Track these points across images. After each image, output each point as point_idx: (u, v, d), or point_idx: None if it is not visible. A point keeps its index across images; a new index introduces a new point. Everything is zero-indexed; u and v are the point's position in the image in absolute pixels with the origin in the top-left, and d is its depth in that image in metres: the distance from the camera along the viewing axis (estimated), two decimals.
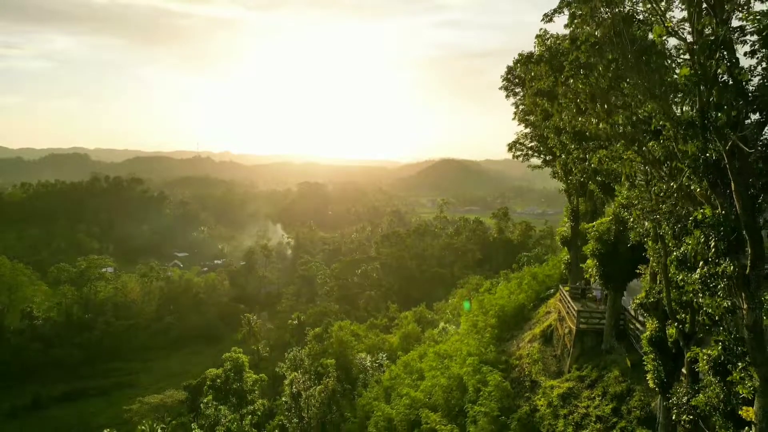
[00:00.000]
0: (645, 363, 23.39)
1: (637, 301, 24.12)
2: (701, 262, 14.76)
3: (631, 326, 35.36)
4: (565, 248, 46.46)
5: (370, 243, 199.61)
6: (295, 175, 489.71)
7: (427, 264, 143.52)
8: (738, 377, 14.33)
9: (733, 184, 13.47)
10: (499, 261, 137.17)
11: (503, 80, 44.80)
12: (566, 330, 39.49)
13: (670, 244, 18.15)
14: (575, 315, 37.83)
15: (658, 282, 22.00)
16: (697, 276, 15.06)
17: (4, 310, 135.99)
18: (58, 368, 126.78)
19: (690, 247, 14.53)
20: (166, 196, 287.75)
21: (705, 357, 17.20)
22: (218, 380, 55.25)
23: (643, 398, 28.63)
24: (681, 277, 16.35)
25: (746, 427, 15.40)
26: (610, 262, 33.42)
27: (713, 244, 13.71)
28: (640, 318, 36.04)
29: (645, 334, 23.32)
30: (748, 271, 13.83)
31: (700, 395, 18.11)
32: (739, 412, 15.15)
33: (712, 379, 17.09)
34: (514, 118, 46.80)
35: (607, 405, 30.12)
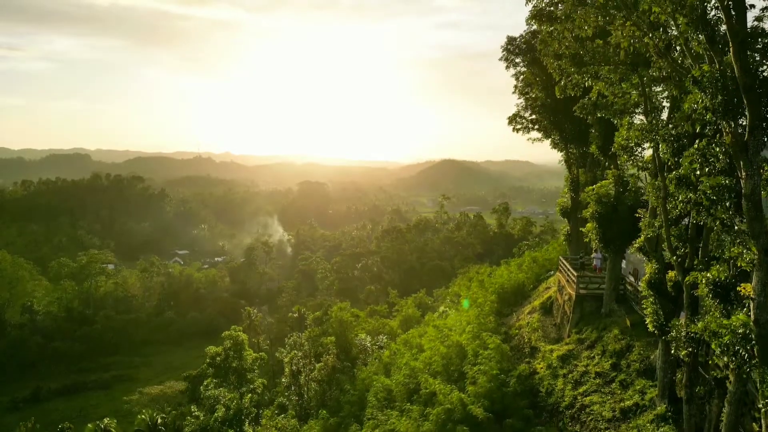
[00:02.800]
0: (645, 307, 23.35)
1: (637, 245, 24.09)
2: (698, 128, 14.69)
3: (631, 289, 35.38)
4: (566, 219, 46.46)
5: (371, 239, 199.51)
6: (296, 175, 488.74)
7: (427, 257, 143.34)
8: (737, 252, 14.24)
9: (731, 44, 13.37)
10: (499, 255, 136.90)
11: (503, 50, 44.77)
12: (566, 297, 39.44)
13: (669, 163, 18.10)
14: (575, 281, 37.81)
15: (657, 218, 21.93)
16: (695, 149, 14.97)
17: (4, 305, 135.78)
18: (59, 362, 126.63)
19: (686, 106, 14.40)
20: (167, 194, 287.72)
21: (704, 280, 17.15)
22: (218, 358, 55.23)
23: (642, 352, 28.55)
24: (681, 197, 16.32)
25: (744, 303, 15.30)
26: (610, 225, 33.36)
27: (709, 103, 13.59)
28: (640, 283, 36.15)
29: (644, 278, 23.29)
30: (746, 137, 13.75)
31: (699, 323, 18.05)
32: (737, 289, 15.11)
33: (712, 302, 17.04)
34: (514, 92, 46.80)
35: (606, 362, 30.05)
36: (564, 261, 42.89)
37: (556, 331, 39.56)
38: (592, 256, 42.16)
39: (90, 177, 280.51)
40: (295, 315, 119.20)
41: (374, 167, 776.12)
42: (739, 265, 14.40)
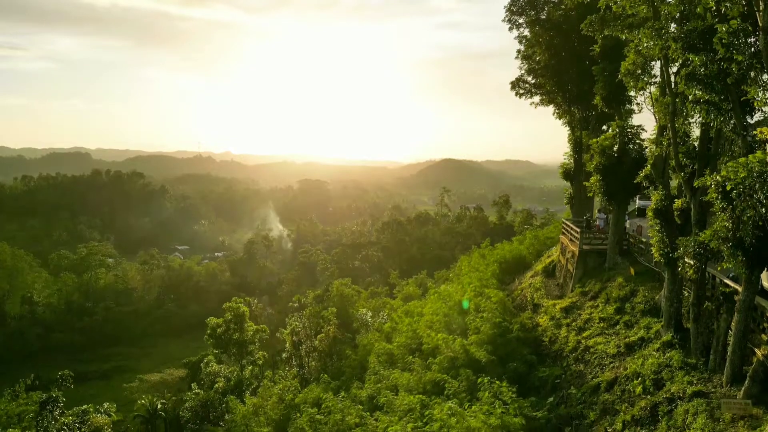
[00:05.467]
0: (651, 236, 23.08)
1: (643, 174, 23.86)
2: None
3: (634, 241, 35.15)
4: (569, 182, 46.18)
5: (371, 234, 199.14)
6: (296, 174, 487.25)
7: (427, 248, 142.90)
8: (754, 93, 13.91)
9: None
10: None
11: (506, 11, 44.52)
12: (569, 255, 39.18)
13: (679, 60, 17.78)
14: (578, 238, 37.57)
15: (666, 135, 21.62)
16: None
17: (4, 296, 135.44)
18: (59, 353, 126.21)
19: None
20: (167, 190, 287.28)
21: (713, 183, 16.87)
22: (219, 329, 54.84)
23: (647, 294, 28.24)
24: (691, 97, 16.10)
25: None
26: (614, 176, 33.09)
27: None
28: (643, 239, 35.99)
29: (650, 206, 23.03)
30: None
31: (707, 231, 17.80)
32: (754, 133, 14.83)
33: (722, 204, 16.75)
34: (517, 56, 46.74)
35: (610, 307, 29.73)
36: (567, 222, 42.69)
37: (558, 290, 39.31)
38: (596, 216, 41.99)
39: (90, 173, 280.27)
40: (296, 305, 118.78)
41: (374, 166, 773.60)
42: (756, 107, 14.09)
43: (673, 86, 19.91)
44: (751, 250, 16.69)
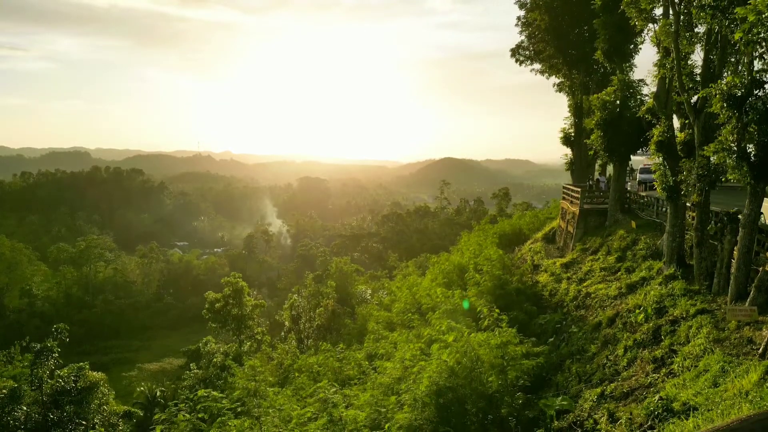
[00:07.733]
0: (654, 171, 22.75)
1: (645, 108, 23.53)
2: None
3: (635, 198, 34.88)
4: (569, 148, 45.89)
5: (371, 228, 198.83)
6: (296, 173, 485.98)
7: (427, 238, 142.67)
8: None
9: None
10: None
11: None
12: (570, 217, 38.86)
13: None
14: (578, 199, 37.27)
15: (669, 57, 21.25)
16: None
17: (3, 289, 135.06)
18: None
19: None
20: (166, 187, 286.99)
21: (718, 92, 16.51)
22: (217, 304, 54.45)
23: (648, 241, 27.87)
24: (696, 2, 15.77)
25: None
26: (615, 132, 32.74)
27: None
28: (642, 193, 35.76)
29: (653, 139, 22.70)
30: None
31: (710, 145, 17.47)
32: None
33: (727, 113, 16.42)
34: (517, 23, 46.68)
35: (611, 257, 29.38)
36: (567, 186, 42.40)
37: (559, 252, 38.98)
38: (596, 178, 41.77)
39: (89, 170, 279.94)
40: (295, 296, 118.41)
41: (374, 166, 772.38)
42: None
43: (676, 5, 19.66)
44: (755, 160, 16.40)
